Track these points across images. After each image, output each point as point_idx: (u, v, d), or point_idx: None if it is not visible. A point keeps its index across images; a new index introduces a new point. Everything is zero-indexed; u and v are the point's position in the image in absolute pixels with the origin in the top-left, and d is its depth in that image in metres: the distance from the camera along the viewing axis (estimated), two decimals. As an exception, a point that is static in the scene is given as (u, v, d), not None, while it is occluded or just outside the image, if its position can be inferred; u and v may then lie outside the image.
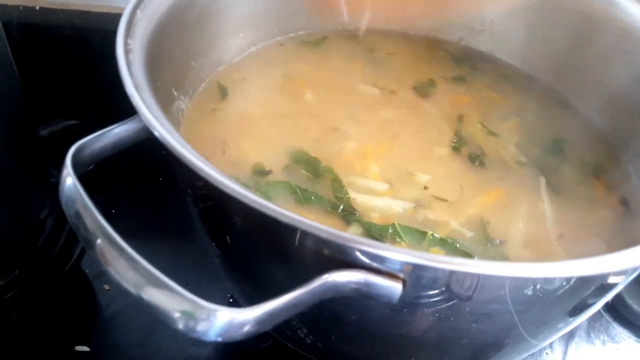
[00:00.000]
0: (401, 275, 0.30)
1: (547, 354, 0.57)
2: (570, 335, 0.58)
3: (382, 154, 0.51)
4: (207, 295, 0.59)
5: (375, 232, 0.43)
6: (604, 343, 0.59)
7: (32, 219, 0.63)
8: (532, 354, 0.55)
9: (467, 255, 0.42)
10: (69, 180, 0.34)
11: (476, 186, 0.49)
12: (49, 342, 0.56)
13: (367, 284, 0.30)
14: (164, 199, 0.71)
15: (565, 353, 0.57)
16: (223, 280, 0.53)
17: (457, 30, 0.65)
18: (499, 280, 0.29)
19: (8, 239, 0.59)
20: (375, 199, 0.47)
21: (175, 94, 0.50)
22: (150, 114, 0.33)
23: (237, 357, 0.55)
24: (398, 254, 0.28)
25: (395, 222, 0.43)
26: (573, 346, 0.58)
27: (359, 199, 0.46)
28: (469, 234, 0.44)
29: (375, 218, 0.45)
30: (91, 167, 0.37)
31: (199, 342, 0.53)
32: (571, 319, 0.39)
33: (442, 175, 0.49)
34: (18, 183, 0.58)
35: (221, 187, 0.30)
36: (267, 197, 0.45)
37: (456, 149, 0.52)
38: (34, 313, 0.58)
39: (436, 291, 0.31)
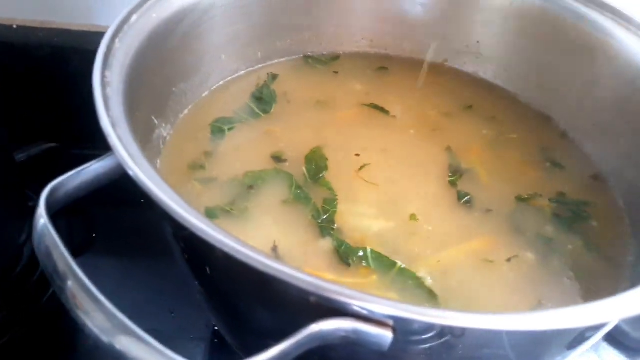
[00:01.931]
0: (391, 323, 0.29)
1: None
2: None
3: (380, 178, 0.51)
4: (191, 324, 0.59)
5: (343, 251, 0.43)
6: (593, 363, 0.58)
7: (10, 245, 0.61)
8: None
9: (432, 295, 0.41)
10: (42, 221, 0.33)
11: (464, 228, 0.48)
12: (29, 376, 0.54)
13: (356, 333, 0.29)
14: (145, 221, 0.69)
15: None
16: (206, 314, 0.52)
17: (442, 51, 0.65)
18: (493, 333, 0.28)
19: (-14, 268, 0.57)
20: (361, 219, 0.47)
21: (156, 121, 0.48)
22: (127, 155, 0.32)
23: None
24: (386, 308, 0.27)
25: (368, 247, 0.44)
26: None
27: (345, 215, 0.47)
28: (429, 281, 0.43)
29: (353, 237, 0.45)
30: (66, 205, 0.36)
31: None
32: (569, 351, 0.38)
33: (432, 209, 0.49)
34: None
35: (201, 234, 0.29)
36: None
37: (452, 183, 0.51)
38: (13, 344, 0.57)
39: (428, 338, 0.30)
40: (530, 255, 0.45)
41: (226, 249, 0.28)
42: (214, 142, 0.52)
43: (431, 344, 0.31)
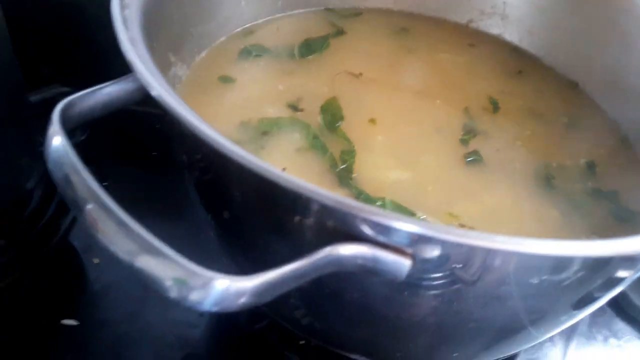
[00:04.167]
0: (410, 250, 0.28)
1: (548, 347, 0.55)
2: (572, 330, 0.56)
3: (397, 130, 0.50)
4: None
5: (361, 200, 0.42)
6: (606, 339, 0.57)
7: (18, 188, 0.61)
8: (534, 347, 0.54)
9: None
10: (57, 140, 0.31)
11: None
12: (34, 314, 0.54)
13: (374, 259, 0.28)
14: (157, 174, 0.69)
15: (566, 347, 0.55)
16: (218, 260, 0.51)
17: (467, 11, 0.63)
18: (512, 259, 0.28)
19: (-6, 209, 0.57)
20: (378, 169, 0.46)
21: (173, 59, 0.47)
22: (147, 71, 0.31)
23: (230, 338, 0.53)
24: (412, 226, 0.26)
25: (386, 197, 0.42)
26: (575, 341, 0.56)
27: (362, 165, 0.45)
28: None
29: (371, 187, 0.44)
30: (78, 126, 0.34)
31: (190, 322, 0.52)
32: (575, 312, 0.37)
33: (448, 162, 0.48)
34: (4, 151, 0.56)
35: (221, 149, 0.28)
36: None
37: (464, 141, 0.50)
38: (20, 285, 0.56)
39: (444, 269, 0.29)
40: (555, 213, 0.44)
41: (248, 163, 0.27)
42: (230, 81, 0.51)
43: (446, 278, 0.30)
